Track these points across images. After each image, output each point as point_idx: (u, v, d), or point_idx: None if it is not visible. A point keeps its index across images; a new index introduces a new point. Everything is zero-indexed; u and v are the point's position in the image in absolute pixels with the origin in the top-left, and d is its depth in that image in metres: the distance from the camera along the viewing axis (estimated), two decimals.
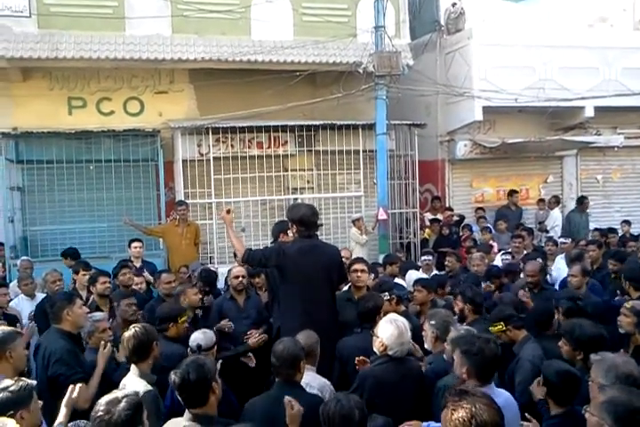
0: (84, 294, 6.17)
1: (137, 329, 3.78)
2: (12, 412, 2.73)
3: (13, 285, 6.83)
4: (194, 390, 3.03)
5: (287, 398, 3.20)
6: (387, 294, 5.04)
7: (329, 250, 5.16)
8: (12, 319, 5.71)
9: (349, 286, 5.59)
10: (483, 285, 6.59)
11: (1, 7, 8.67)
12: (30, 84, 9.62)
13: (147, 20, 8.95)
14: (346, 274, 5.29)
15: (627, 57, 11.24)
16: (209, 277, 6.53)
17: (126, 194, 9.72)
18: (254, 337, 5.39)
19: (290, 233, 5.26)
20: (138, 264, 7.81)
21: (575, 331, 3.88)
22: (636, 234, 10.05)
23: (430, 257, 7.88)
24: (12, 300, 6.33)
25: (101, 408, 2.54)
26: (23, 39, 8.74)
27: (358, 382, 3.78)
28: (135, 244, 8.00)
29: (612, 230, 9.83)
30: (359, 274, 5.37)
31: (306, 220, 4.89)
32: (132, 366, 3.73)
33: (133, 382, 3.60)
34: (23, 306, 6.32)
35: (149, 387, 3.55)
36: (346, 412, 2.83)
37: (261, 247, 5.63)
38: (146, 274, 7.19)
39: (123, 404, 2.55)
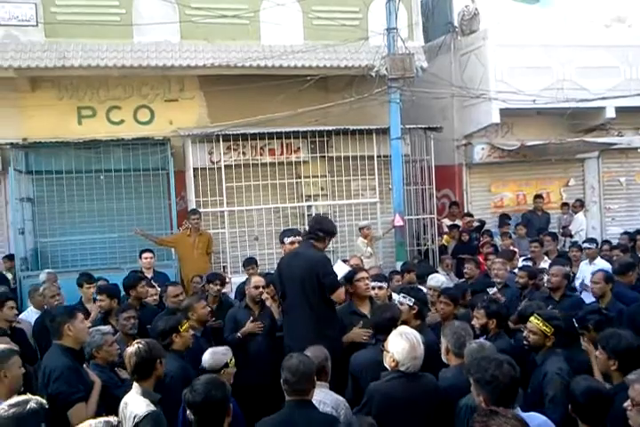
0: (90, 307, 5.99)
1: (140, 346, 3.59)
2: None
3: None
4: (214, 410, 2.84)
5: None
6: (411, 299, 4.75)
7: (306, 257, 4.76)
8: (20, 334, 5.55)
9: (351, 298, 5.11)
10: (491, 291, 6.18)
11: (8, 16, 8.62)
12: (39, 94, 9.51)
13: (155, 26, 8.81)
14: (332, 281, 4.72)
15: None
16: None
17: (137, 204, 9.58)
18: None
19: (286, 241, 5.25)
20: (149, 275, 7.61)
21: (612, 340, 3.65)
22: None
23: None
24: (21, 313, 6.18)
25: None
26: (30, 48, 8.66)
27: (367, 397, 3.57)
28: (146, 254, 7.86)
29: None
30: (367, 282, 5.01)
31: (309, 226, 5.10)
32: (135, 384, 3.56)
33: (135, 401, 3.43)
34: (32, 319, 6.12)
35: (152, 407, 3.36)
36: None
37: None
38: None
39: None
